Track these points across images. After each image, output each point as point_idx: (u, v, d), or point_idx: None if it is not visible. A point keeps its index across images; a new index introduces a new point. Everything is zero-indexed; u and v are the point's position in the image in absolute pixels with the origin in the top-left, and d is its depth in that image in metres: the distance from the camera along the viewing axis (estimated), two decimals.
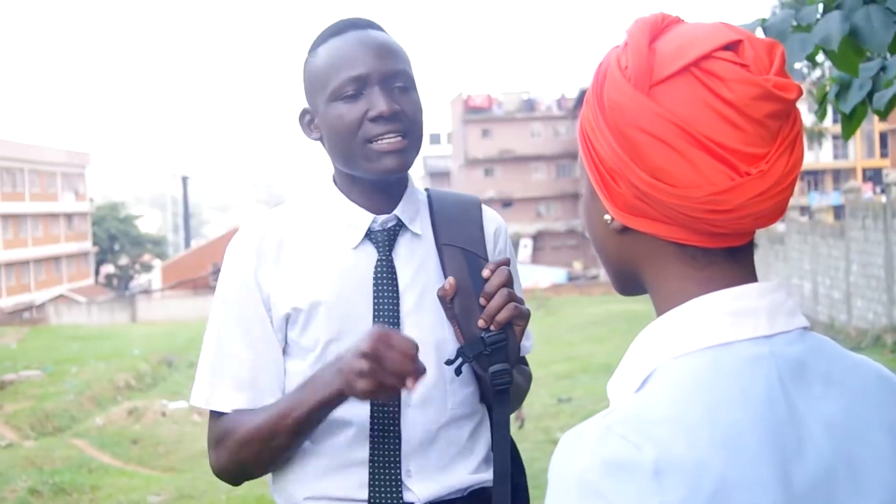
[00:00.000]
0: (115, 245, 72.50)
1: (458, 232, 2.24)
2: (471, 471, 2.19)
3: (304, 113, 2.20)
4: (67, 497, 10.55)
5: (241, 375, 2.12)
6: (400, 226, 2.18)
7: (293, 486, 2.15)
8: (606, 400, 1.18)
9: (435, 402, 2.15)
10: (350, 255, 2.14)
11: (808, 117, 50.62)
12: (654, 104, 1.11)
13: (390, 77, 2.08)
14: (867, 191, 44.29)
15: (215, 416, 2.16)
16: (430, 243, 2.21)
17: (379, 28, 2.18)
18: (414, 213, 2.21)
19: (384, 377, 1.89)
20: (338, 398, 1.97)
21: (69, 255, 66.13)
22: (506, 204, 73.40)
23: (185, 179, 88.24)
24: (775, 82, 1.10)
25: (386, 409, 2.10)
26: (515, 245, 60.09)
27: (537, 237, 69.54)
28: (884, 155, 58.99)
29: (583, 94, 66.19)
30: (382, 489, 2.10)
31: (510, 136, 74.08)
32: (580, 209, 1.30)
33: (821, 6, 3.84)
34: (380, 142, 2.05)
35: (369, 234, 2.15)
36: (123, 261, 73.57)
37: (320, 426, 2.07)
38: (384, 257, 2.14)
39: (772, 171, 1.10)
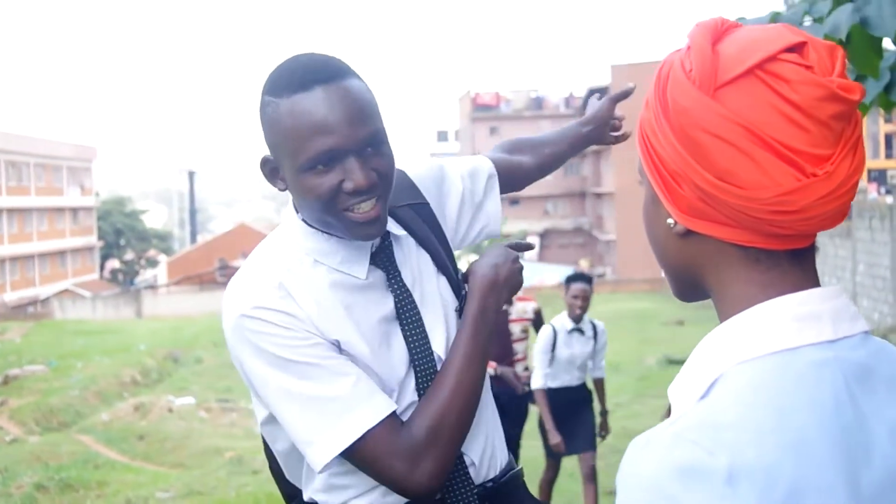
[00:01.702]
0: (121, 240, 72.63)
1: (400, 194, 2.27)
2: (502, 439, 2.35)
3: (265, 161, 2.08)
4: (74, 493, 10.51)
5: (361, 391, 2.02)
6: (388, 237, 2.17)
7: (349, 486, 2.14)
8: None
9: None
10: (363, 287, 2.12)
11: None
12: (719, 106, 1.11)
13: (364, 143, 1.98)
14: (872, 191, 44.28)
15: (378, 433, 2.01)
16: (402, 235, 2.23)
17: (346, 74, 2.01)
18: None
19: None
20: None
21: (74, 249, 66.24)
22: (513, 202, 73.52)
23: (191, 174, 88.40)
24: (839, 83, 1.10)
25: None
26: None
27: (544, 235, 69.63)
28: (888, 156, 59.05)
29: (591, 92, 66.81)
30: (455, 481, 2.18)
31: (518, 133, 72.55)
32: (642, 214, 1.29)
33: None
34: (357, 212, 1.99)
35: (371, 259, 2.14)
36: (129, 256, 73.72)
37: None
38: (394, 273, 2.17)
39: (837, 172, 1.11)
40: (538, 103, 76.20)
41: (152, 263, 73.80)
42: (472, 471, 2.20)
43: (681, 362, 15.61)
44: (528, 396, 8.32)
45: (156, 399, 17.28)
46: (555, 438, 7.83)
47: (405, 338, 2.15)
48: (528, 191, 71.17)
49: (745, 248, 1.16)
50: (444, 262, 2.28)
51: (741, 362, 1.12)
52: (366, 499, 2.14)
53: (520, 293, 7.70)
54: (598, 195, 68.58)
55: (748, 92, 1.11)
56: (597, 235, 68.86)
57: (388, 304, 2.14)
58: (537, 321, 8.51)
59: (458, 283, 2.30)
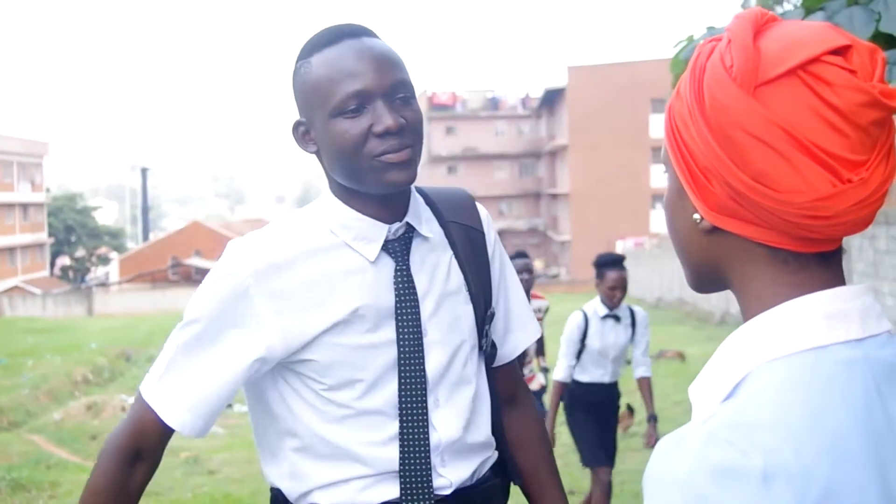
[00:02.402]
0: (72, 237, 71.94)
1: (458, 211, 2.30)
2: (489, 457, 2.30)
3: (297, 125, 2.14)
4: (26, 493, 10.33)
5: (189, 396, 2.10)
6: (411, 231, 2.17)
7: (311, 475, 2.15)
8: None
9: (459, 401, 2.21)
10: (369, 268, 2.12)
11: None
12: (760, 106, 1.09)
13: (392, 89, 2.02)
14: None
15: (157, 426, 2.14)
16: (439, 244, 2.23)
17: (373, 34, 2.10)
18: (420, 216, 2.21)
19: None
20: None
21: (24, 246, 65.45)
22: None
23: (144, 171, 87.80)
24: (881, 89, 1.09)
25: (414, 417, 2.13)
26: None
27: (500, 235, 69.65)
28: None
29: (548, 94, 67.65)
30: (414, 491, 2.14)
31: (474, 134, 74.36)
32: (664, 206, 1.26)
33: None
34: (386, 156, 2.01)
35: (385, 245, 2.13)
36: (80, 253, 73.01)
37: (349, 422, 2.11)
38: (402, 267, 2.14)
39: (872, 178, 1.10)
40: (494, 104, 76.31)
41: (104, 261, 73.14)
42: (440, 467, 2.18)
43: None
44: (540, 395, 7.80)
45: (108, 398, 17.08)
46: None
47: (397, 339, 2.12)
48: (483, 191, 71.36)
49: (774, 249, 1.15)
50: (478, 291, 2.25)
51: (771, 360, 1.10)
52: (333, 493, 2.14)
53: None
54: (554, 196, 68.81)
55: (789, 93, 1.08)
56: (552, 236, 69.07)
57: (388, 297, 2.13)
58: (541, 319, 7.92)
59: (487, 318, 2.27)
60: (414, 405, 2.13)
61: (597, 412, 7.07)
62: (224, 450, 11.96)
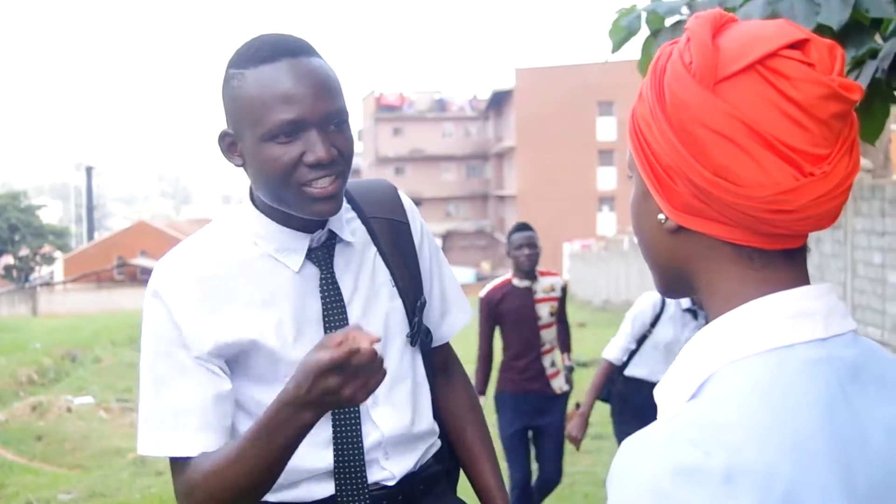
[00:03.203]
0: (15, 235, 70.91)
1: (381, 205, 2.31)
2: (431, 444, 2.35)
3: (224, 135, 2.10)
4: None
5: (193, 418, 2.07)
6: (334, 238, 2.18)
7: None
8: None
9: (398, 396, 2.25)
10: (294, 278, 2.14)
11: None
12: (720, 101, 1.10)
13: (327, 117, 2.00)
14: None
15: (181, 463, 2.08)
16: (362, 243, 2.24)
17: (312, 52, 2.05)
18: (342, 220, 2.21)
19: (356, 392, 1.81)
20: (309, 427, 1.89)
21: None
22: (415, 203, 72.82)
23: (88, 170, 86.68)
24: (840, 82, 1.10)
25: (347, 415, 2.15)
26: None
27: (446, 237, 69.65)
28: None
29: (496, 95, 67.65)
30: (349, 489, 2.18)
31: (421, 135, 74.20)
32: (630, 210, 1.28)
33: None
34: (314, 186, 2.01)
35: (308, 254, 2.15)
36: (24, 252, 72.01)
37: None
38: (326, 275, 2.16)
39: (834, 172, 1.10)
40: (442, 105, 76.20)
41: (48, 260, 72.14)
42: (383, 461, 2.22)
43: (583, 365, 15.72)
44: (565, 399, 6.97)
45: (54, 399, 16.91)
46: (576, 431, 6.27)
47: (325, 327, 2.15)
48: (431, 192, 71.28)
49: (739, 247, 1.15)
50: (405, 284, 2.28)
51: (736, 360, 1.11)
52: (278, 493, 2.16)
53: (541, 267, 7.01)
54: (501, 198, 68.85)
55: (749, 88, 1.09)
56: (499, 238, 69.06)
57: (315, 305, 2.15)
58: (563, 301, 7.13)
59: (417, 308, 2.30)
60: (345, 409, 2.14)
61: (643, 414, 5.86)
62: None
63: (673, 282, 1.26)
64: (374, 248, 2.26)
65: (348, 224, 2.23)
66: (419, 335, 2.30)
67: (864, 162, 15.38)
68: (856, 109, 3.35)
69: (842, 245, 15.51)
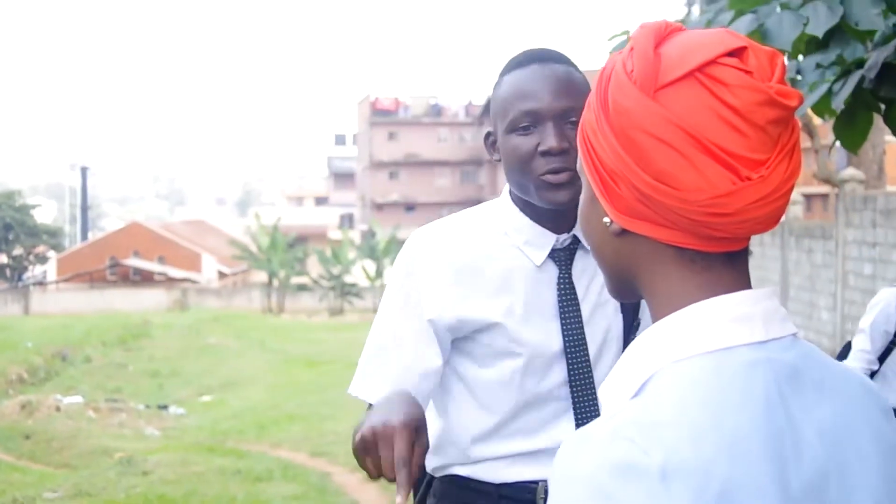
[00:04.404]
0: (10, 234, 70.86)
1: None
2: None
3: (488, 135, 2.35)
4: None
5: (403, 379, 2.26)
6: (577, 243, 2.32)
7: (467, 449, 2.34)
8: None
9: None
10: (534, 272, 2.30)
11: None
12: (659, 108, 1.12)
13: (563, 113, 2.18)
14: None
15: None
16: None
17: (563, 61, 2.28)
18: None
19: (370, 467, 1.95)
20: None
21: None
22: (409, 208, 73.54)
23: (83, 170, 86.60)
24: (778, 89, 1.12)
25: (585, 396, 2.30)
26: None
27: None
28: None
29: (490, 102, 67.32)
30: None
31: (416, 140, 74.25)
32: (579, 214, 1.31)
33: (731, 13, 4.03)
34: (549, 175, 2.18)
35: (551, 253, 2.31)
36: (17, 251, 71.93)
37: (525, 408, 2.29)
38: (565, 274, 2.31)
39: (772, 176, 1.12)
40: (437, 110, 76.28)
41: (42, 259, 72.05)
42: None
43: None
44: None
45: (43, 398, 16.96)
46: None
47: (561, 329, 2.29)
48: (425, 197, 71.36)
49: (681, 249, 1.18)
50: (629, 304, 2.36)
51: (677, 360, 1.13)
52: (487, 467, 2.33)
53: None
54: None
55: (688, 94, 1.12)
56: None
57: (550, 298, 2.30)
58: None
59: (633, 327, 2.38)
60: (584, 387, 2.30)
61: None
62: (159, 451, 11.92)
63: (622, 285, 1.28)
64: None
65: None
66: None
67: (857, 173, 15.43)
68: (840, 118, 3.35)
69: (833, 255, 15.55)
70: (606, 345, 2.34)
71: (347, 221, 77.49)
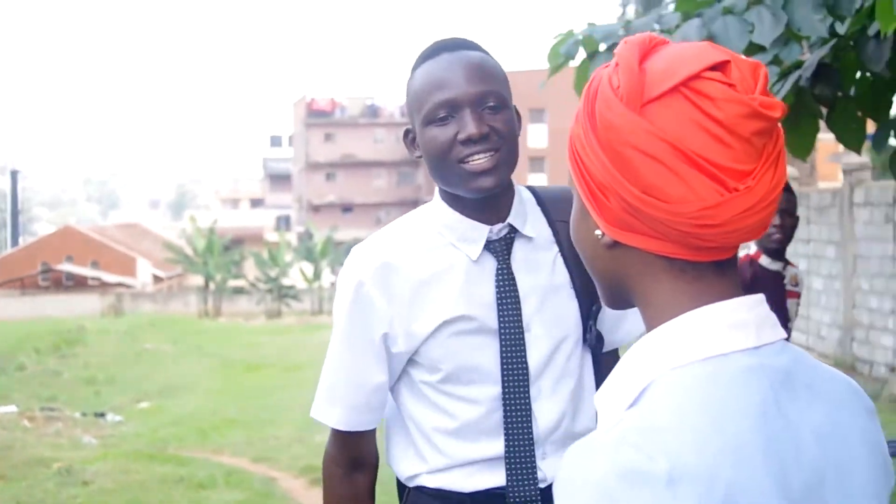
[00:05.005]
0: None
1: (567, 210, 2.41)
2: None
3: (406, 132, 2.33)
4: None
5: (355, 399, 2.33)
6: (514, 232, 2.31)
7: (421, 461, 2.35)
8: None
9: (561, 392, 2.33)
10: (472, 267, 2.28)
11: None
12: (646, 123, 1.15)
13: (480, 98, 2.18)
14: None
15: (338, 432, 2.39)
16: (544, 242, 2.36)
17: (473, 47, 2.27)
18: (524, 217, 2.34)
19: None
20: None
21: None
22: (346, 209, 73.47)
23: (14, 174, 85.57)
24: (761, 101, 1.14)
25: (518, 402, 2.28)
26: None
27: None
28: None
29: None
30: (519, 478, 2.29)
31: (353, 141, 74.23)
32: (570, 227, 1.34)
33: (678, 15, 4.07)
34: (471, 162, 2.16)
35: (487, 245, 2.29)
36: None
37: (458, 412, 2.29)
38: (503, 266, 2.29)
39: (758, 186, 1.15)
40: (373, 111, 76.31)
41: None
42: (539, 461, 2.32)
43: None
44: None
45: None
46: None
47: (499, 333, 2.27)
48: (362, 198, 71.30)
49: (671, 260, 1.20)
50: (584, 287, 2.35)
51: (675, 368, 1.16)
52: (440, 477, 2.33)
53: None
54: None
55: (673, 109, 1.14)
56: None
57: (489, 293, 2.28)
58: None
59: (592, 313, 2.37)
60: (517, 395, 2.27)
61: None
62: (97, 460, 11.75)
63: (615, 294, 1.30)
64: (556, 249, 2.37)
65: (533, 223, 2.35)
66: (591, 338, 2.38)
67: (791, 170, 15.63)
68: (784, 126, 3.42)
69: None
70: (562, 330, 2.33)
71: (284, 223, 77.33)
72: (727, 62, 1.17)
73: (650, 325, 1.23)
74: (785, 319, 5.12)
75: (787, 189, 4.88)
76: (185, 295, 49.24)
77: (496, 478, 2.29)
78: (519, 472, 2.28)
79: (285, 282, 45.87)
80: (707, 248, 1.19)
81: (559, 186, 2.53)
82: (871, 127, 4.78)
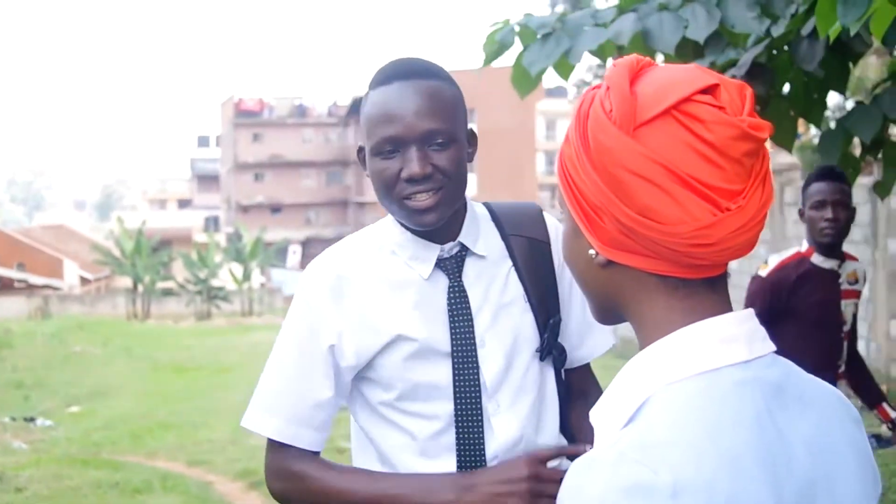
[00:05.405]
0: None
1: (523, 225, 2.44)
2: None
3: (360, 149, 2.30)
4: None
5: (296, 411, 2.30)
6: (465, 250, 2.32)
7: None
8: None
9: (520, 407, 2.32)
10: (423, 285, 2.29)
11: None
12: (639, 145, 1.17)
13: (427, 136, 2.16)
14: None
15: (276, 445, 2.34)
16: (496, 258, 2.37)
17: (430, 76, 2.22)
18: (476, 235, 2.35)
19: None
20: None
21: None
22: (275, 210, 73.04)
23: None
24: (750, 123, 1.18)
25: (470, 420, 2.28)
26: (283, 251, 60.42)
27: (306, 243, 69.29)
28: None
29: (356, 102, 67.85)
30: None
31: (281, 141, 73.86)
32: (562, 246, 1.37)
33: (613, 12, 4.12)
34: (413, 200, 2.17)
35: (438, 263, 2.30)
36: None
37: (411, 429, 2.29)
38: (455, 283, 2.29)
39: (748, 205, 1.19)
40: (302, 111, 75.98)
41: None
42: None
43: None
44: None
45: None
46: None
47: (451, 351, 2.28)
48: (290, 199, 70.91)
49: (664, 277, 1.24)
50: (539, 300, 2.37)
51: (670, 383, 1.19)
52: None
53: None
54: (361, 204, 68.88)
55: (666, 131, 1.17)
56: None
57: (441, 311, 2.28)
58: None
59: (550, 326, 2.37)
60: (469, 414, 2.28)
61: None
62: (30, 466, 11.59)
63: (607, 311, 1.33)
64: (509, 264, 2.38)
65: (486, 240, 2.37)
66: (548, 351, 2.38)
67: None
68: None
69: None
70: (517, 344, 2.33)
71: (213, 224, 76.64)
72: (717, 85, 1.20)
73: (644, 341, 1.26)
74: (839, 323, 4.75)
75: (841, 178, 4.63)
76: (114, 297, 48.66)
77: None
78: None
79: (214, 283, 45.50)
80: (699, 266, 1.22)
81: (519, 202, 2.55)
82: (801, 126, 4.82)
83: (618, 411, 1.21)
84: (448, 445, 2.29)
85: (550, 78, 4.33)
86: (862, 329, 12.44)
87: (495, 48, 4.33)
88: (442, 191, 2.18)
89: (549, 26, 4.19)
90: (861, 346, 12.43)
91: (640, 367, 1.23)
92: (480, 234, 2.36)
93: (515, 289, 2.36)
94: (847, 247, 4.95)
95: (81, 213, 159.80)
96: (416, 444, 2.29)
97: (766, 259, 4.87)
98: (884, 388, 10.35)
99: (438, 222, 2.20)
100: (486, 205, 2.47)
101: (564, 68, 4.22)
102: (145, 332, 33.94)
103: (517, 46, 4.32)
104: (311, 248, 69.62)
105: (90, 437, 14.47)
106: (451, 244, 2.30)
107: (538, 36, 4.20)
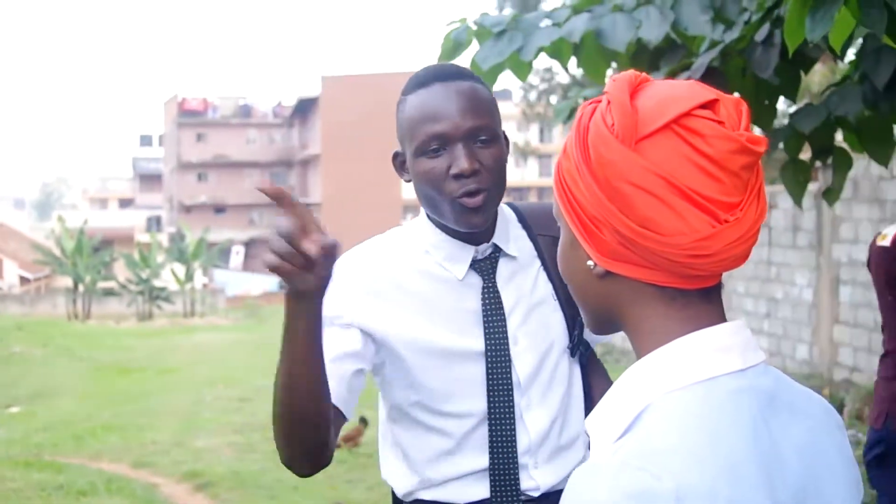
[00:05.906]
0: None
1: (548, 224, 2.43)
2: (582, 459, 2.43)
3: (396, 154, 2.36)
4: None
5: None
6: (498, 251, 2.37)
7: (414, 475, 2.38)
8: None
9: (550, 401, 2.38)
10: (457, 286, 2.34)
11: (517, 136, 52.39)
12: (641, 158, 1.20)
13: (472, 133, 2.21)
14: None
15: None
16: (527, 258, 2.42)
17: (466, 77, 2.29)
18: (507, 237, 2.40)
19: (278, 262, 1.93)
20: (291, 304, 1.95)
21: None
22: (218, 210, 72.68)
23: None
24: (748, 137, 1.21)
25: (502, 416, 2.32)
26: (227, 252, 60.14)
27: (249, 244, 68.92)
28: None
29: (301, 103, 67.75)
30: (503, 490, 2.34)
31: (225, 141, 73.52)
32: (558, 256, 1.39)
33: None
34: (466, 199, 2.20)
35: (472, 264, 2.35)
36: None
37: (445, 426, 2.32)
38: (489, 284, 2.35)
39: (745, 217, 1.22)
40: (246, 111, 75.70)
41: None
42: (532, 469, 2.36)
43: None
44: None
45: None
46: None
47: (485, 349, 2.32)
48: (234, 199, 70.60)
49: (662, 288, 1.26)
50: (567, 297, 2.39)
51: (668, 392, 1.21)
52: (434, 492, 2.37)
53: None
54: (305, 205, 68.64)
55: (666, 145, 1.20)
56: None
57: (475, 311, 2.33)
58: None
59: (578, 323, 2.42)
60: (502, 410, 2.32)
61: None
62: None
63: (603, 321, 1.36)
64: (538, 263, 2.43)
65: (515, 241, 2.42)
66: (578, 347, 2.44)
67: None
68: None
69: None
70: (548, 342, 2.38)
71: (155, 224, 76.07)
72: (716, 101, 1.24)
73: (641, 351, 1.28)
74: None
75: None
76: (54, 297, 48.08)
77: (485, 489, 2.35)
78: (502, 484, 2.33)
79: (157, 283, 45.03)
80: (696, 277, 1.25)
81: (543, 202, 2.60)
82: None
83: (616, 419, 1.24)
84: (480, 442, 2.33)
85: (499, 80, 4.34)
86: (805, 333, 12.62)
87: (451, 47, 4.33)
88: (488, 192, 2.22)
89: (504, 24, 4.20)
90: (804, 351, 12.70)
91: (638, 376, 1.26)
92: (511, 235, 2.41)
93: (545, 288, 2.42)
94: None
95: (20, 211, 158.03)
96: (448, 442, 2.34)
97: (880, 231, 4.65)
98: (825, 391, 10.53)
99: (485, 224, 2.25)
100: (511, 205, 2.52)
101: (521, 68, 4.23)
102: (86, 332, 33.60)
103: (474, 46, 4.32)
104: (254, 248, 69.29)
105: (31, 438, 14.29)
106: (485, 245, 2.35)
107: (493, 34, 4.22)
